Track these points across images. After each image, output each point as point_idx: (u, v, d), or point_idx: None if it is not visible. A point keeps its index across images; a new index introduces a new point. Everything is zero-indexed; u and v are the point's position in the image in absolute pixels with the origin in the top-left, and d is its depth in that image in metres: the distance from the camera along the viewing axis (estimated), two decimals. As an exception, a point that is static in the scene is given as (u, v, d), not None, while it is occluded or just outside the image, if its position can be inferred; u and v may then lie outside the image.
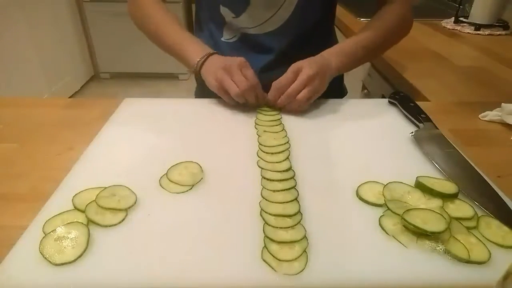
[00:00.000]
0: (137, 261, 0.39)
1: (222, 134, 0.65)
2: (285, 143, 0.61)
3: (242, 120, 0.69)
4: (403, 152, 0.60)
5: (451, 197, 0.48)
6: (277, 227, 0.43)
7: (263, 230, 0.43)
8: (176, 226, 0.44)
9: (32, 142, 0.64)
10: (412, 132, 0.63)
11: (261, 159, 0.57)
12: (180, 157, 0.56)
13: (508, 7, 1.48)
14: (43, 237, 0.41)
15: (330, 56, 0.74)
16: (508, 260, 0.38)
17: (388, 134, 0.66)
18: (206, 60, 0.72)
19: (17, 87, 2.39)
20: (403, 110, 0.71)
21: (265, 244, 0.41)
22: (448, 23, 1.51)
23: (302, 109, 0.71)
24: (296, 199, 0.48)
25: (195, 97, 0.99)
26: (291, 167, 0.55)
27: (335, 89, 0.92)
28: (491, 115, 0.73)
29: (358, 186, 0.50)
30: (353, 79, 1.44)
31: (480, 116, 0.74)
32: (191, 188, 0.50)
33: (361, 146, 0.62)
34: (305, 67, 0.69)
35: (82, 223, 0.43)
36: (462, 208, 0.47)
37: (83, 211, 0.45)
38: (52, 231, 0.42)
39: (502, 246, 0.42)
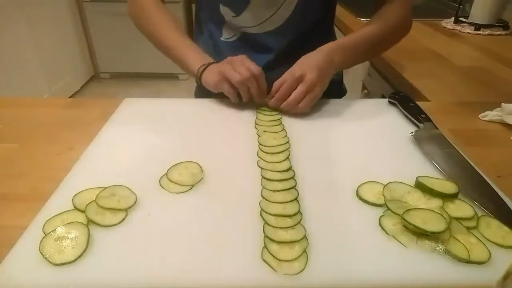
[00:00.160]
0: (137, 261, 0.39)
1: (222, 134, 0.65)
2: (285, 143, 0.61)
3: (242, 120, 0.69)
4: (403, 152, 0.60)
5: (451, 197, 0.48)
6: (277, 227, 0.43)
7: (263, 230, 0.43)
8: (176, 226, 0.44)
9: (32, 142, 0.64)
10: (412, 132, 0.63)
11: (261, 159, 0.57)
12: (180, 157, 0.56)
13: (508, 7, 1.48)
14: (43, 237, 0.41)
15: (332, 52, 0.73)
16: (508, 260, 0.38)
17: (388, 134, 0.66)
18: (206, 68, 0.72)
19: (17, 87, 2.39)
20: (403, 110, 0.71)
21: (265, 244, 0.41)
22: (448, 23, 1.51)
23: (303, 113, 0.71)
24: (296, 199, 0.48)
25: (195, 97, 0.99)
26: (291, 167, 0.55)
27: (335, 89, 0.92)
28: (491, 115, 0.73)
29: (358, 186, 0.50)
30: (353, 79, 1.44)
31: (480, 116, 0.74)
32: (191, 188, 0.50)
33: (361, 146, 0.62)
34: (307, 74, 0.68)
35: (82, 223, 0.43)
36: (462, 208, 0.47)
37: (83, 211, 0.45)
38: (52, 231, 0.42)
39: (502, 246, 0.42)
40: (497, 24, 1.45)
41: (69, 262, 0.39)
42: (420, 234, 0.42)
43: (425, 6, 1.90)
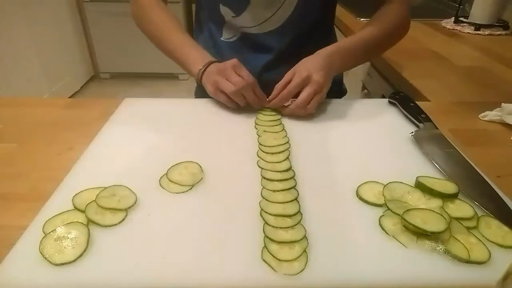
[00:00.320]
0: (137, 261, 0.39)
1: (222, 134, 0.65)
2: (285, 143, 0.61)
3: (242, 120, 0.69)
4: (403, 152, 0.60)
5: (451, 197, 0.48)
6: (277, 227, 0.43)
7: (263, 230, 0.43)
8: (176, 226, 0.44)
9: (32, 142, 0.64)
10: (412, 132, 0.63)
11: (261, 159, 0.57)
12: (180, 157, 0.56)
13: (508, 7, 1.48)
14: (43, 237, 0.41)
15: (331, 55, 0.73)
16: (508, 260, 0.38)
17: (388, 134, 0.66)
18: (206, 69, 0.72)
19: (17, 87, 2.39)
20: (403, 110, 0.71)
21: (265, 244, 0.41)
22: (448, 23, 1.51)
23: (309, 114, 0.70)
24: (296, 199, 0.48)
25: (195, 97, 0.99)
26: (291, 167, 0.55)
27: (335, 89, 0.92)
28: (491, 115, 0.73)
29: (358, 186, 0.50)
30: (353, 79, 1.44)
31: (480, 116, 0.74)
32: (191, 188, 0.50)
33: (361, 146, 0.62)
34: (314, 75, 0.68)
35: (82, 223, 0.43)
36: (462, 208, 0.47)
37: (83, 211, 0.45)
38: (52, 231, 0.42)
39: (502, 246, 0.42)
40: (497, 24, 1.45)
41: (69, 262, 0.39)
42: (420, 234, 0.42)
43: (425, 6, 1.90)
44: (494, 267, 0.39)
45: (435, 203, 0.47)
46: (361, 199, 0.49)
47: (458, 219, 0.45)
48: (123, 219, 0.45)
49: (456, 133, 0.68)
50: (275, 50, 0.83)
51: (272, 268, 0.38)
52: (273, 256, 0.39)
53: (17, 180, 0.54)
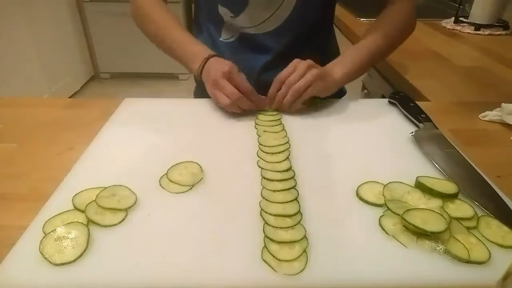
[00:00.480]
0: (137, 261, 0.39)
1: (222, 134, 0.65)
2: (285, 143, 0.61)
3: (242, 120, 0.69)
4: (403, 152, 0.60)
5: (451, 197, 0.48)
6: (277, 227, 0.43)
7: (263, 230, 0.43)
8: (176, 226, 0.44)
9: (32, 142, 0.64)
10: (412, 132, 0.63)
11: (261, 159, 0.57)
12: (180, 157, 0.56)
13: (508, 7, 1.48)
14: (43, 237, 0.41)
15: (334, 67, 0.74)
16: (508, 260, 0.38)
17: (388, 134, 0.66)
18: (204, 66, 0.72)
19: (17, 87, 2.39)
20: (403, 110, 0.71)
21: (265, 244, 0.41)
22: (448, 23, 1.51)
23: (299, 106, 0.70)
24: (296, 199, 0.48)
25: (194, 97, 0.99)
26: (291, 167, 0.55)
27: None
28: (491, 115, 0.73)
29: (358, 186, 0.50)
30: (353, 79, 1.44)
31: (480, 116, 0.74)
32: (191, 188, 0.50)
33: (361, 146, 0.62)
34: (306, 60, 0.69)
35: (82, 223, 0.43)
36: (462, 208, 0.47)
37: (83, 211, 0.45)
38: (52, 231, 0.42)
39: (502, 246, 0.42)
40: (497, 24, 1.44)
41: (69, 262, 0.39)
42: (420, 234, 0.42)
43: (425, 6, 1.90)
44: (494, 267, 0.39)
45: (435, 203, 0.47)
46: (361, 199, 0.49)
47: (458, 219, 0.45)
48: (123, 219, 0.45)
49: (456, 133, 0.68)
50: (274, 50, 0.83)
51: (272, 268, 0.38)
52: (273, 256, 0.39)
53: (17, 180, 0.54)
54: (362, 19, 1.54)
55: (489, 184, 0.51)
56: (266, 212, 0.45)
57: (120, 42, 3.20)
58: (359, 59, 0.76)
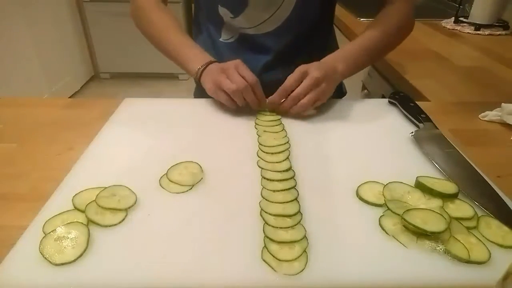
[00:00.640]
0: (137, 261, 0.39)
1: (222, 134, 0.65)
2: (285, 143, 0.61)
3: (242, 120, 0.69)
4: (403, 152, 0.60)
5: (451, 197, 0.48)
6: (277, 227, 0.43)
7: (263, 230, 0.43)
8: (176, 226, 0.44)
9: (32, 142, 0.64)
10: (412, 132, 0.63)
11: (261, 159, 0.57)
12: (180, 157, 0.56)
13: (508, 7, 1.48)
14: (43, 237, 0.41)
15: (335, 62, 0.73)
16: (508, 260, 0.38)
17: (388, 134, 0.66)
18: (206, 68, 0.72)
19: (17, 87, 2.39)
20: (403, 110, 0.71)
21: (265, 244, 0.41)
22: (448, 23, 1.51)
23: (307, 114, 0.70)
24: (296, 199, 0.48)
25: (194, 98, 0.99)
26: (291, 167, 0.55)
27: (335, 90, 0.92)
28: (491, 115, 0.73)
29: (358, 186, 0.50)
30: (353, 79, 1.43)
31: (480, 116, 0.74)
32: (191, 188, 0.50)
33: (361, 146, 0.62)
34: (312, 70, 0.67)
35: (82, 223, 0.43)
36: (462, 208, 0.47)
37: (83, 211, 0.45)
38: (52, 231, 0.42)
39: (502, 246, 0.42)
40: (497, 24, 1.44)
41: (69, 262, 0.39)
42: (420, 234, 0.42)
43: (425, 6, 1.90)
44: (494, 267, 0.39)
45: (435, 203, 0.47)
46: (361, 199, 0.49)
47: (458, 219, 0.45)
48: (123, 219, 0.45)
49: (456, 133, 0.68)
50: (274, 51, 0.83)
51: (272, 268, 0.38)
52: (273, 256, 0.39)
53: (17, 180, 0.54)
54: (362, 19, 1.54)
55: (489, 184, 0.51)
56: (266, 212, 0.45)
57: (120, 42, 3.20)
58: (359, 56, 0.76)
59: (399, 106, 0.73)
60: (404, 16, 0.81)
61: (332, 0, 0.87)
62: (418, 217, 0.43)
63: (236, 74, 0.67)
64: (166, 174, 0.53)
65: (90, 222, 0.44)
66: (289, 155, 0.58)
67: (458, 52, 1.25)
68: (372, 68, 1.28)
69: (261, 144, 0.61)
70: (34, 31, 2.57)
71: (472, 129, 0.71)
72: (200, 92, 0.95)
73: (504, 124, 0.71)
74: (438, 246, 0.41)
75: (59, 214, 0.45)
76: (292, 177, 0.52)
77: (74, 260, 0.39)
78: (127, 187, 0.49)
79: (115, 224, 0.44)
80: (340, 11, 1.66)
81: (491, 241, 0.42)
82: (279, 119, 0.69)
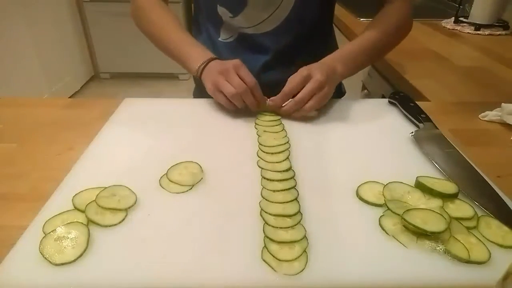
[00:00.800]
0: (137, 261, 0.39)
1: (222, 134, 0.65)
2: (285, 143, 0.61)
3: (242, 120, 0.69)
4: (403, 152, 0.60)
5: (451, 197, 0.48)
6: (277, 227, 0.43)
7: (263, 230, 0.43)
8: (176, 226, 0.44)
9: (32, 142, 0.64)
10: (412, 132, 0.63)
11: (261, 159, 0.57)
12: (180, 157, 0.56)
13: (508, 7, 1.48)
14: (43, 237, 0.41)
15: (334, 62, 0.73)
16: (508, 260, 0.38)
17: (388, 134, 0.66)
18: (206, 66, 0.72)
19: (17, 87, 2.39)
20: (403, 110, 0.71)
21: (265, 244, 0.41)
22: (448, 23, 1.51)
23: (310, 116, 0.69)
24: (296, 199, 0.48)
25: (194, 97, 0.99)
26: (291, 167, 0.55)
27: (335, 90, 0.92)
28: (491, 115, 0.73)
29: (358, 186, 0.50)
30: (353, 79, 1.43)
31: (480, 116, 0.74)
32: (191, 188, 0.50)
33: (361, 146, 0.62)
34: (316, 73, 0.67)
35: (82, 223, 0.43)
36: (462, 208, 0.47)
37: (83, 211, 0.45)
38: (52, 231, 0.42)
39: (502, 246, 0.42)
40: (497, 24, 1.44)
41: (69, 262, 0.39)
42: (420, 234, 0.42)
43: (425, 6, 1.90)
44: (494, 267, 0.39)
45: (435, 203, 0.47)
46: (361, 199, 0.49)
47: (458, 219, 0.45)
48: (123, 219, 0.45)
49: (456, 133, 0.68)
50: (273, 50, 0.83)
51: (272, 268, 0.38)
52: (273, 256, 0.39)
53: (17, 180, 0.54)
54: (362, 19, 1.54)
55: (489, 184, 0.51)
56: (266, 212, 0.45)
57: (120, 42, 3.20)
58: (359, 56, 0.76)
59: (399, 106, 0.73)
60: (403, 15, 0.81)
61: (332, 0, 0.87)
62: (418, 217, 0.43)
63: (236, 77, 0.66)
64: (166, 174, 0.53)
65: (90, 222, 0.44)
66: (289, 155, 0.58)
67: (458, 52, 1.25)
68: (372, 68, 1.28)
69: (261, 144, 0.61)
70: (34, 31, 2.57)
71: (472, 129, 0.71)
72: (199, 92, 0.95)
73: (504, 124, 0.71)
74: (438, 246, 0.41)
75: (59, 214, 0.45)
76: (292, 177, 0.52)
77: (74, 260, 0.39)
78: (127, 187, 0.49)
79: (115, 224, 0.44)
80: (340, 11, 1.66)
81: (491, 241, 0.42)
82: (279, 119, 0.69)
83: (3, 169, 0.57)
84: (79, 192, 0.48)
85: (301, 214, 0.45)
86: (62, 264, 0.38)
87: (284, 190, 0.50)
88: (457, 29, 1.46)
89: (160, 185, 0.51)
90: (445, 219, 0.43)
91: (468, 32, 1.42)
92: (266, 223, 0.44)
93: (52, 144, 0.63)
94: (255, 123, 0.68)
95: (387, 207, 0.46)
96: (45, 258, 0.39)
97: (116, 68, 3.42)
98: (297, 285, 0.37)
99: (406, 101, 0.72)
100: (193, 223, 0.45)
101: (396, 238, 0.42)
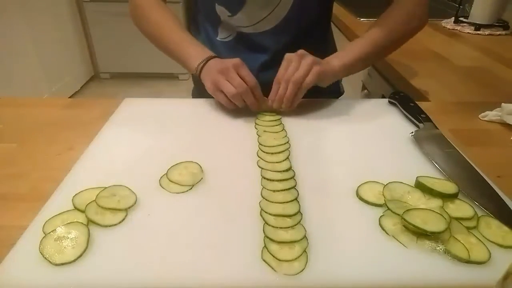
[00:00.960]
0: (137, 261, 0.39)
1: (222, 134, 0.65)
2: (285, 143, 0.61)
3: (242, 120, 0.69)
4: (403, 152, 0.60)
5: (451, 197, 0.48)
6: (277, 227, 0.43)
7: (263, 230, 0.43)
8: (176, 226, 0.44)
9: (32, 142, 0.64)
10: (412, 132, 0.63)
11: (261, 159, 0.57)
12: (180, 157, 0.56)
13: (508, 7, 1.48)
14: (43, 237, 0.41)
15: (330, 59, 0.73)
16: (508, 260, 0.38)
17: (388, 134, 0.66)
18: (205, 64, 0.72)
19: (17, 87, 2.39)
20: (403, 110, 0.71)
21: (265, 244, 0.41)
22: (448, 23, 1.51)
23: (307, 86, 0.67)
24: (296, 199, 0.48)
25: (192, 98, 0.98)
26: (291, 167, 0.55)
27: (333, 89, 0.92)
28: (491, 115, 0.73)
29: (358, 186, 0.50)
30: (353, 79, 1.44)
31: (480, 116, 0.74)
32: (191, 188, 0.50)
33: (361, 146, 0.62)
34: (294, 53, 0.68)
35: (82, 223, 0.43)
36: (462, 208, 0.47)
37: (83, 211, 0.45)
38: (52, 231, 0.42)
39: (502, 246, 0.42)
40: (497, 24, 1.45)
41: (69, 262, 0.39)
42: (420, 234, 0.42)
43: (425, 6, 1.90)
44: (494, 267, 0.39)
45: (435, 203, 0.47)
46: (361, 199, 0.49)
47: (458, 219, 0.45)
48: (123, 219, 0.45)
49: (456, 133, 0.68)
50: (271, 50, 0.83)
51: (272, 268, 0.38)
52: (273, 256, 0.39)
53: (17, 180, 0.54)
54: (362, 19, 1.54)
55: (489, 184, 0.51)
56: (266, 212, 0.45)
57: (120, 42, 3.20)
58: (358, 52, 0.75)
59: (399, 106, 0.73)
60: (408, 12, 0.78)
61: None
62: (418, 217, 0.43)
63: (236, 76, 0.66)
64: (166, 174, 0.53)
65: (90, 222, 0.44)
66: (289, 155, 0.58)
67: (458, 52, 1.25)
68: (372, 68, 1.28)
69: (261, 144, 0.61)
70: (34, 31, 2.57)
71: (472, 129, 0.71)
72: (198, 92, 0.95)
73: (504, 124, 0.71)
74: (438, 246, 0.41)
75: (59, 214, 0.45)
76: (292, 177, 0.52)
77: (74, 260, 0.39)
78: (127, 187, 0.49)
79: (115, 224, 0.44)
80: (340, 11, 1.66)
81: (491, 241, 0.42)
82: (279, 119, 0.69)
83: (3, 169, 0.57)
84: (79, 192, 0.48)
85: (301, 214, 0.45)
86: (62, 264, 0.38)
87: (284, 190, 0.50)
88: (457, 29, 1.46)
89: (160, 185, 0.51)
90: (445, 219, 0.43)
91: (468, 32, 1.42)
92: (266, 223, 0.44)
93: (52, 144, 0.63)
94: (255, 123, 0.68)
95: (387, 207, 0.46)
96: (45, 258, 0.39)
97: (116, 68, 3.42)
98: (297, 285, 0.37)
99: (406, 101, 0.72)
100: (193, 223, 0.45)
101: (396, 238, 0.42)
